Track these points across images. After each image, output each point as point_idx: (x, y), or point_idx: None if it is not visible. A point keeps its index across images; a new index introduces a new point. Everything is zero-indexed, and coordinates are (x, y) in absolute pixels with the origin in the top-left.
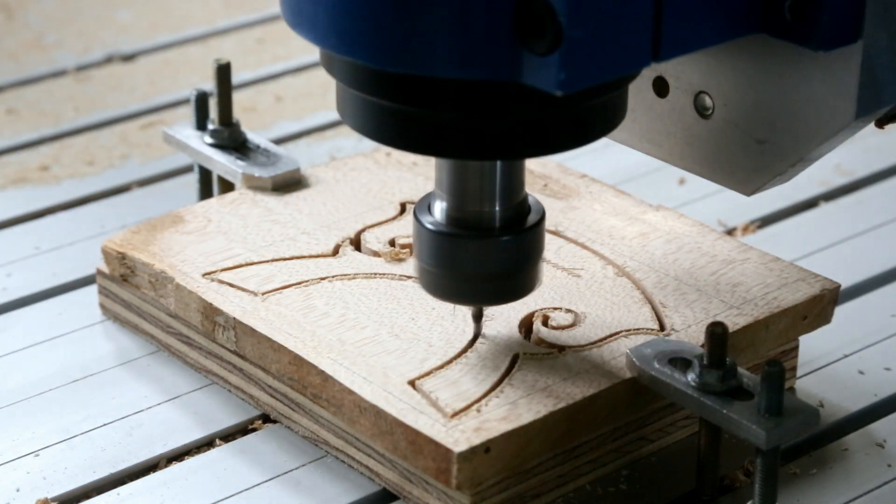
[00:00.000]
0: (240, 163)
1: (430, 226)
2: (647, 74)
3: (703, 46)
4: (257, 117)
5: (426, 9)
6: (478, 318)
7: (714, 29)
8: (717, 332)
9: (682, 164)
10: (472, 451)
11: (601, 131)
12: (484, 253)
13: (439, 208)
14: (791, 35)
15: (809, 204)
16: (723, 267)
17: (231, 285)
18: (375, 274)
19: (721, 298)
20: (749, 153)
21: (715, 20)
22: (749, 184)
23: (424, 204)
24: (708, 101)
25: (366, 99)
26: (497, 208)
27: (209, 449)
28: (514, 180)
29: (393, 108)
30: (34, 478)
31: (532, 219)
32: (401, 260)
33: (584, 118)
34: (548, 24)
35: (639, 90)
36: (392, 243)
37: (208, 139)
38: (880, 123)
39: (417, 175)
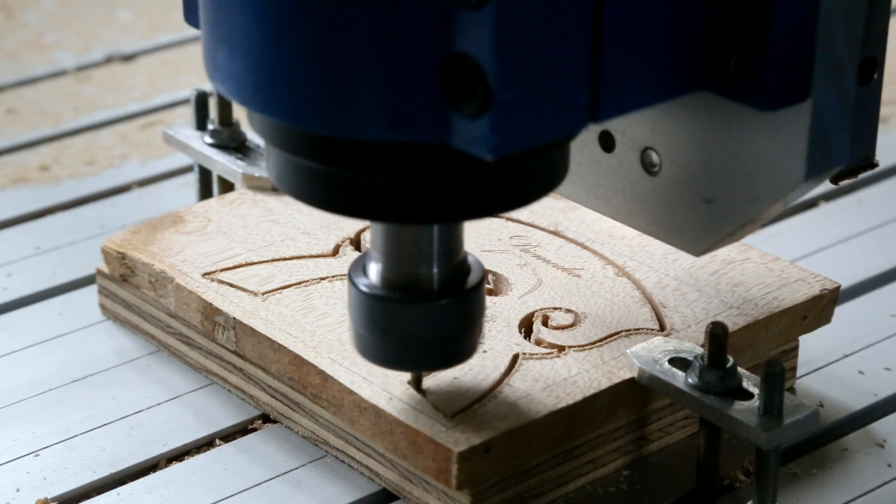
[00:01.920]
0: (240, 163)
1: (364, 288)
2: (593, 128)
3: (644, 106)
4: None
5: (349, 67)
6: (416, 384)
7: (656, 87)
8: (717, 333)
9: (629, 221)
10: (472, 451)
11: (540, 192)
12: (421, 317)
13: (374, 270)
14: (737, 94)
15: (809, 204)
16: (723, 267)
17: (231, 285)
18: None
19: (721, 298)
20: (697, 212)
21: (657, 78)
22: (698, 244)
23: (359, 265)
24: (655, 158)
25: (290, 158)
26: (434, 270)
27: (209, 449)
28: (452, 241)
29: (319, 170)
30: (34, 478)
31: (472, 280)
32: None
33: (521, 180)
34: (477, 85)
35: (584, 144)
36: None
37: (208, 139)
38: (835, 180)
39: None
